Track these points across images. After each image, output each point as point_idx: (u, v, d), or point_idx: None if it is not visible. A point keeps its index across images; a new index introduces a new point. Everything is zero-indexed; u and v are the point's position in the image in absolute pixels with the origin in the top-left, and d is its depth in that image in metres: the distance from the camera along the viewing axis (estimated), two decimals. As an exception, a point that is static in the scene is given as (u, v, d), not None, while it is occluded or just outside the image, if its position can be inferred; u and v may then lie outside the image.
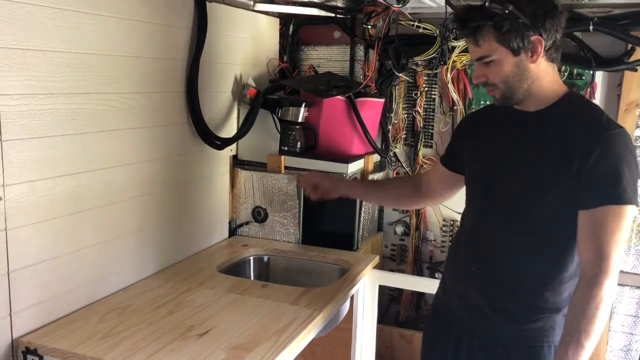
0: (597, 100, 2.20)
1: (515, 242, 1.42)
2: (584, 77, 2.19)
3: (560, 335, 1.36)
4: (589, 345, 1.29)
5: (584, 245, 1.32)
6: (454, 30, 2.21)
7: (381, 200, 2.12)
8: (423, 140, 2.52)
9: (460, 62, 2.32)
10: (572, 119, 1.35)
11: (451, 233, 2.52)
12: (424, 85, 2.47)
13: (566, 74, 2.20)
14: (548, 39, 1.32)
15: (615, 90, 2.21)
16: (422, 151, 2.52)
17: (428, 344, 1.61)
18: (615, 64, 2.14)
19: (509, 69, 1.34)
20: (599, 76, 2.19)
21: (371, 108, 2.36)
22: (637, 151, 1.47)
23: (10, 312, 1.36)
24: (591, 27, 2.06)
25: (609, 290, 1.28)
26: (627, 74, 2.16)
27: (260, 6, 2.18)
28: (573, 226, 1.33)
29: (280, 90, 2.35)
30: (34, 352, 1.36)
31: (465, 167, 1.57)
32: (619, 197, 1.28)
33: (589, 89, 2.18)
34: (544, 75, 1.36)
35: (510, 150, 1.43)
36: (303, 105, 2.20)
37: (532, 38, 1.31)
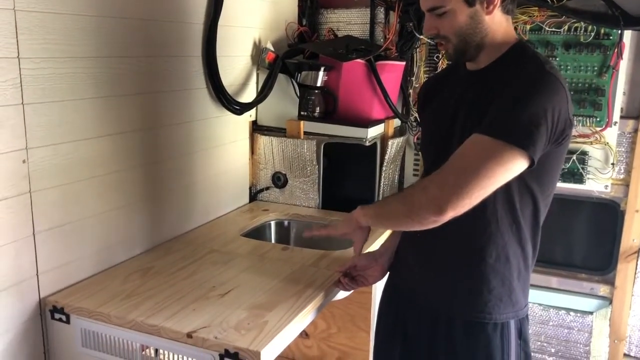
0: (625, 61, 2.13)
1: None
2: (611, 37, 2.12)
3: (507, 313, 1.31)
4: (374, 217, 1.38)
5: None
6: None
7: None
8: (444, 104, 2.48)
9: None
10: (509, 70, 1.26)
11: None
12: (446, 48, 2.42)
13: (592, 34, 2.14)
14: None
15: (644, 50, 2.14)
16: (443, 115, 2.49)
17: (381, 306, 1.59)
18: (644, 22, 2.08)
19: (463, 21, 1.25)
20: (627, 36, 2.12)
21: (391, 71, 2.33)
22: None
23: (37, 272, 1.40)
24: (620, -16, 2.00)
25: (422, 220, 1.20)
26: (657, 33, 2.09)
27: (278, -32, 2.15)
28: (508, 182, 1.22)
29: (299, 55, 2.32)
30: (61, 311, 1.40)
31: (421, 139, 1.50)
32: (493, 129, 1.16)
33: (616, 49, 2.11)
34: (498, 28, 1.29)
35: (456, 113, 1.33)
36: (322, 69, 2.18)
37: None
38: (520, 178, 1.22)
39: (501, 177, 1.17)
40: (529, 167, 1.18)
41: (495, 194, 1.21)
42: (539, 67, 1.23)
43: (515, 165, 1.17)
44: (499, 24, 1.29)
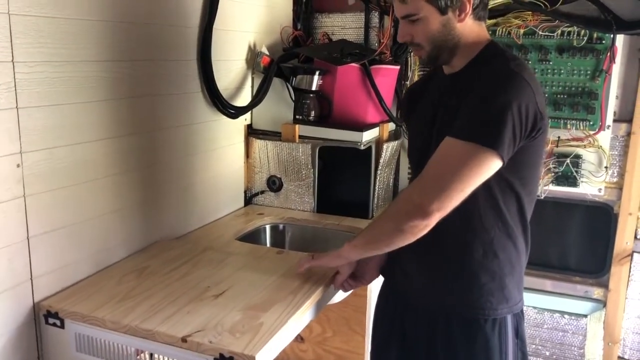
0: (617, 65, 2.15)
1: None
2: (604, 42, 2.14)
3: (502, 309, 1.33)
4: (364, 246, 1.40)
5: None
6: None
7: None
8: (439, 108, 2.49)
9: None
10: (479, 71, 1.30)
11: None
12: (440, 52, 2.43)
13: (585, 38, 2.15)
14: None
15: (636, 55, 2.15)
16: (438, 119, 2.49)
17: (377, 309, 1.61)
18: (637, 27, 2.08)
19: (435, 28, 1.30)
20: (620, 40, 2.13)
21: (386, 75, 2.33)
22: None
23: (31, 277, 1.39)
24: (612, -11, 2.01)
25: (412, 229, 1.24)
26: (649, 37, 2.10)
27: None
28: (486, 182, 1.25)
29: (294, 59, 2.33)
30: (55, 316, 1.39)
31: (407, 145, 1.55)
32: (462, 132, 1.21)
33: (609, 54, 2.13)
34: (470, 34, 1.33)
35: (435, 117, 1.36)
36: (317, 73, 2.19)
37: None
38: (500, 175, 1.24)
39: (476, 179, 1.21)
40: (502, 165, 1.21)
41: (475, 191, 1.23)
42: (503, 66, 1.27)
43: (488, 166, 1.20)
44: (470, 30, 1.33)
